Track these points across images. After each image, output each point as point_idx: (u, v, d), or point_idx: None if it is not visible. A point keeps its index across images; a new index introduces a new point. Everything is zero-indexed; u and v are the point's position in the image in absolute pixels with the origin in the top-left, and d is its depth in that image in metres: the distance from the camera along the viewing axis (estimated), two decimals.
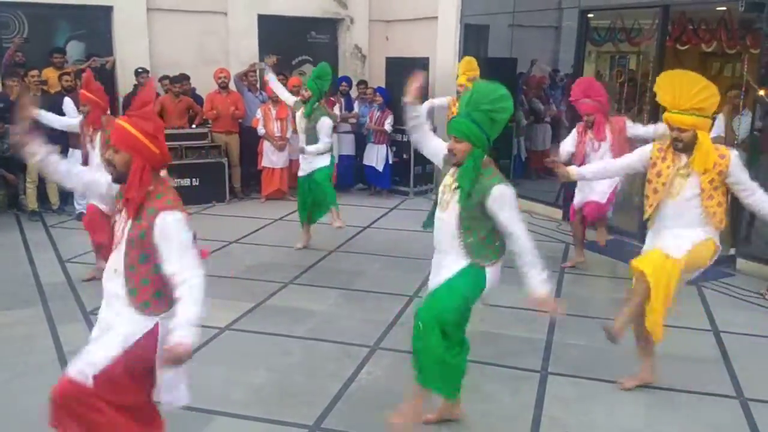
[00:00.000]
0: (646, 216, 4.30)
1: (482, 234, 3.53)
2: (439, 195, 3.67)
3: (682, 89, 3.98)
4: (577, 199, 6.61)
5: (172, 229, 2.81)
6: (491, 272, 3.66)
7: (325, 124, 6.94)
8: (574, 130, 6.57)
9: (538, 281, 3.49)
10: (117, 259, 2.93)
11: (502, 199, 3.43)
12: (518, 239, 3.49)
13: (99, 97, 6.11)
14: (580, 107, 6.40)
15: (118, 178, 2.95)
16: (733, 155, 4.06)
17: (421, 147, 3.95)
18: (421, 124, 3.87)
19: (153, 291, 2.90)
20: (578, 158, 6.35)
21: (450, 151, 3.52)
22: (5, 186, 8.46)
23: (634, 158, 4.44)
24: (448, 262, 3.62)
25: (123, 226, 2.91)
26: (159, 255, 2.82)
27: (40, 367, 4.51)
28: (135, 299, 2.89)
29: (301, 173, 7.18)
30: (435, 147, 3.86)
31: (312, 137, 6.96)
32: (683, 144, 4.05)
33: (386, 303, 5.74)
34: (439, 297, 3.60)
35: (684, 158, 4.10)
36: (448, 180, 3.62)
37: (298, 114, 7.12)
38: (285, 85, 9.58)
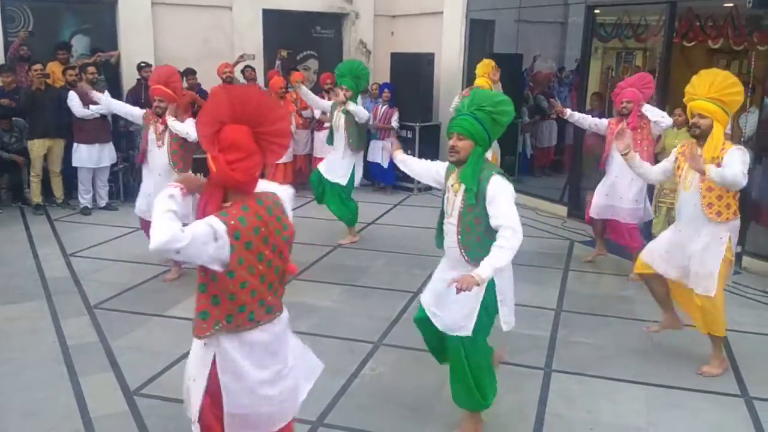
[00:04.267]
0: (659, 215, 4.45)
1: (480, 231, 3.46)
2: (444, 204, 3.64)
3: (716, 80, 4.22)
4: (600, 201, 6.39)
5: None
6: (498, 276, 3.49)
7: (354, 106, 7.16)
8: (605, 120, 6.54)
9: (488, 264, 3.22)
10: None
11: (501, 186, 3.42)
12: (514, 233, 3.30)
13: (177, 93, 5.90)
14: (624, 95, 6.28)
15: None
16: (733, 148, 4.20)
17: (410, 173, 4.08)
18: (410, 166, 4.04)
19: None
20: (607, 149, 6.33)
21: (452, 148, 3.50)
22: (11, 172, 8.45)
23: (667, 164, 4.63)
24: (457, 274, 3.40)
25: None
26: None
27: (43, 361, 4.52)
28: None
29: (327, 175, 7.19)
30: (420, 167, 3.96)
31: (352, 131, 7.10)
32: (700, 130, 4.26)
33: (390, 299, 5.73)
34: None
35: (699, 151, 4.26)
36: (451, 184, 3.59)
37: (335, 114, 7.19)
38: (288, 80, 9.61)
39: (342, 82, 7.16)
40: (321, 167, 7.35)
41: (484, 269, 3.18)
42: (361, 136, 7.29)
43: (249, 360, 2.67)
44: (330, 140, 7.39)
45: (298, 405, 2.95)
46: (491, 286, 3.50)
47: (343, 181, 7.11)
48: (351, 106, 7.09)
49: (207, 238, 2.40)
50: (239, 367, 2.65)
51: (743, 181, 4.06)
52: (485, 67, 7.35)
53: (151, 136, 5.96)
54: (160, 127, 5.90)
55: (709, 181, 4.19)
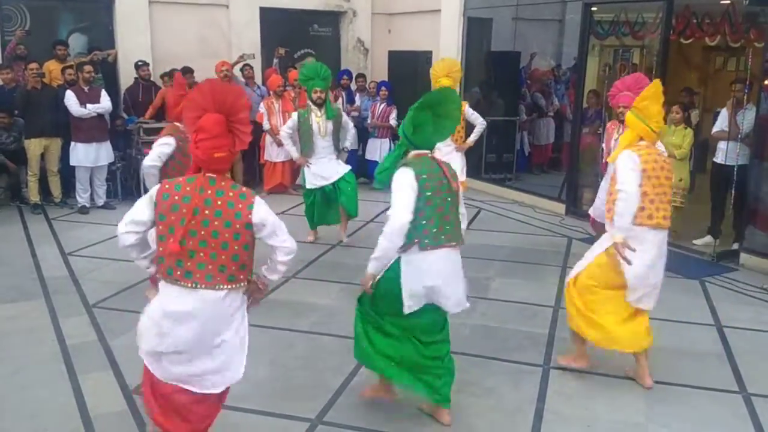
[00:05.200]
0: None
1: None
2: None
3: (648, 90, 4.26)
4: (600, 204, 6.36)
5: None
6: (405, 261, 3.62)
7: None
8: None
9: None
10: None
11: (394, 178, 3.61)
12: (387, 221, 3.54)
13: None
14: (620, 99, 6.23)
15: None
16: (620, 156, 4.15)
17: None
18: None
19: None
20: (606, 154, 6.30)
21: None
22: (6, 175, 8.45)
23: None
24: None
25: None
26: None
27: (42, 360, 4.52)
28: None
29: (320, 182, 6.95)
30: None
31: (337, 135, 6.97)
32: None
33: None
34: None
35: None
36: None
37: (319, 121, 6.83)
38: (286, 78, 9.61)
39: (315, 85, 6.78)
40: (317, 180, 6.98)
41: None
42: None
43: (161, 306, 3.14)
44: (307, 149, 6.94)
45: (201, 388, 3.19)
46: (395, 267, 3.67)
47: (339, 176, 6.97)
48: (351, 141, 7.24)
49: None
50: (153, 309, 3.19)
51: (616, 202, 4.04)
52: (452, 65, 7.21)
53: None
54: None
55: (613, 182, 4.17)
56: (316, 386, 4.26)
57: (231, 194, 3.05)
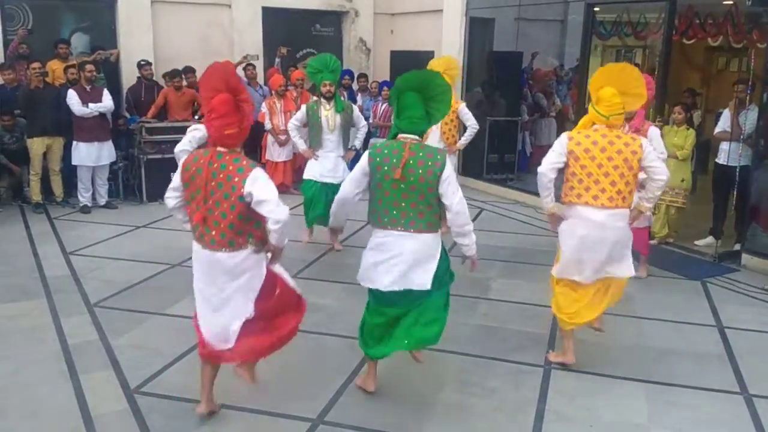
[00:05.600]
0: None
1: None
2: None
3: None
4: None
5: None
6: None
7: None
8: None
9: None
10: None
11: None
12: None
13: None
14: None
15: None
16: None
17: None
18: None
19: None
20: None
21: None
22: (9, 177, 8.47)
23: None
24: None
25: None
26: None
27: (43, 359, 4.52)
28: None
29: (322, 178, 6.79)
30: None
31: (346, 130, 6.78)
32: None
33: None
34: None
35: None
36: None
37: (327, 114, 6.66)
38: (288, 78, 9.60)
39: (324, 78, 6.60)
40: (317, 175, 6.83)
41: None
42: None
43: (193, 261, 3.68)
44: (314, 143, 6.79)
45: (222, 335, 3.62)
46: None
47: (340, 180, 6.94)
48: (361, 137, 7.03)
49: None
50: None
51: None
52: (449, 62, 7.06)
53: None
54: None
55: None
56: (317, 386, 4.25)
57: (231, 168, 3.39)
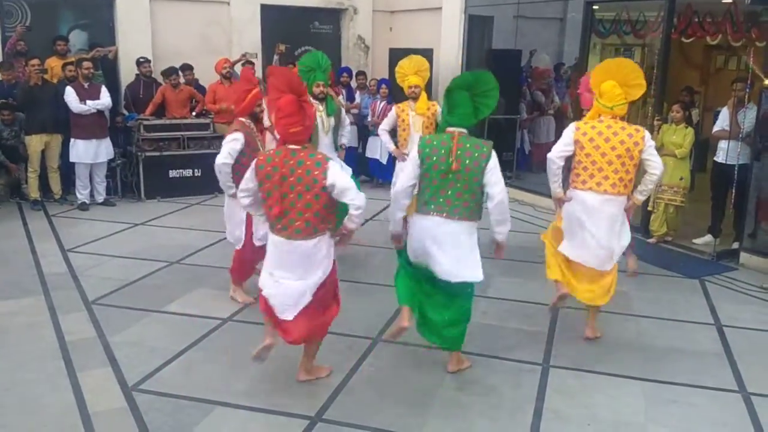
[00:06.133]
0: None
1: None
2: None
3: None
4: None
5: None
6: (410, 221, 4.25)
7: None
8: None
9: None
10: None
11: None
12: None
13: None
14: (584, 103, 6.27)
15: None
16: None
17: None
18: None
19: None
20: None
21: None
22: (6, 175, 8.45)
23: None
24: None
25: None
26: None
27: (41, 356, 4.52)
28: None
29: None
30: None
31: (336, 132, 6.72)
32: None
33: (389, 295, 5.68)
34: None
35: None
36: None
37: (322, 116, 6.53)
38: None
39: (316, 78, 6.36)
40: None
41: None
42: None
43: (270, 253, 3.97)
44: (312, 144, 6.51)
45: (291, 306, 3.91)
46: None
47: (348, 171, 6.90)
48: (349, 137, 7.06)
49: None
50: (267, 254, 4.00)
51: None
52: (420, 63, 7.01)
53: None
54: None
55: None
56: (315, 383, 4.25)
57: (308, 162, 3.71)
